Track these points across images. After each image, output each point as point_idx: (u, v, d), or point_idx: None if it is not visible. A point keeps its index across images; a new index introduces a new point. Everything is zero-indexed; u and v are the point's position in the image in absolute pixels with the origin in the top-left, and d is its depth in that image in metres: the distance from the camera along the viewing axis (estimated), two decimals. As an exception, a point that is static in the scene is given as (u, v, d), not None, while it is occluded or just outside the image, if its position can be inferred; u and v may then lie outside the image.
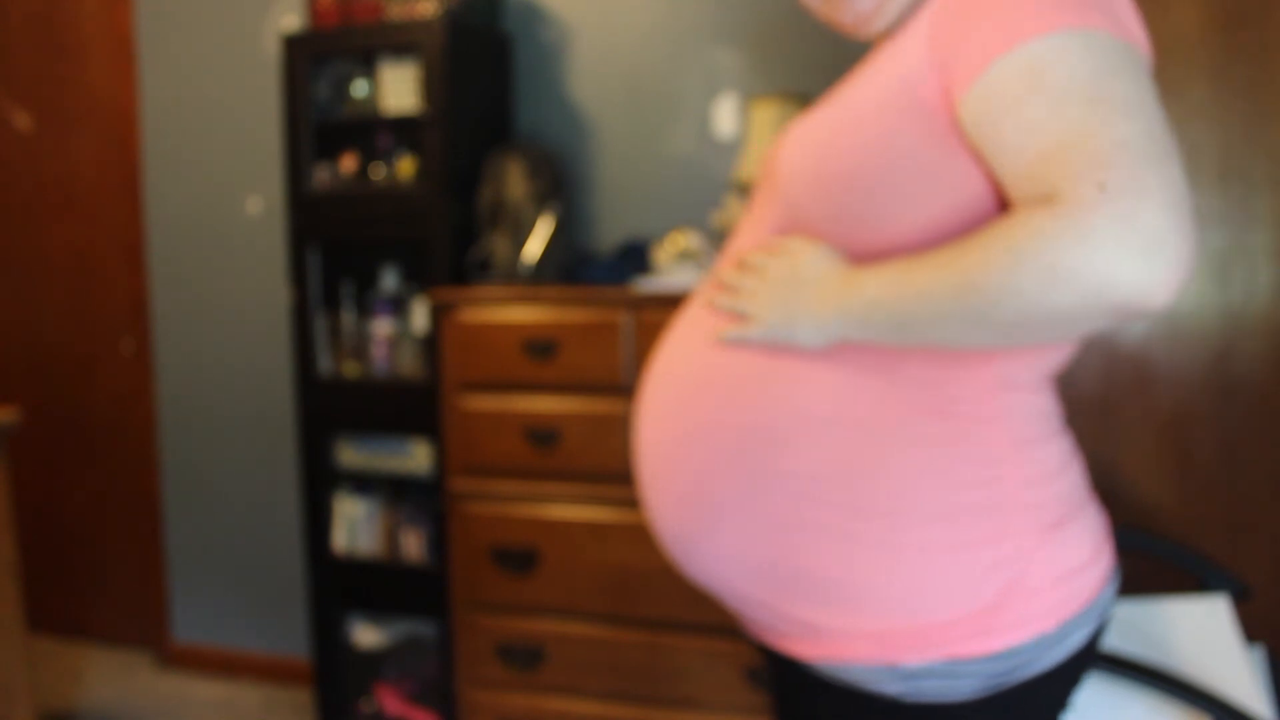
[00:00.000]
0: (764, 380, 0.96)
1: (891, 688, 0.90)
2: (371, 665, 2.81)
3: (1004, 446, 0.92)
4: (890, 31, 1.03)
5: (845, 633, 0.91)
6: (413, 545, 2.69)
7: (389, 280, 2.77)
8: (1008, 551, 0.90)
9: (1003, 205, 0.89)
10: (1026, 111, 0.80)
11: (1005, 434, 0.93)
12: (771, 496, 0.93)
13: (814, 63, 2.58)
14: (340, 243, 2.78)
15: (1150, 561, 1.81)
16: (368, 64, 2.73)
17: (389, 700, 2.76)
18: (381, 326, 2.70)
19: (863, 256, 0.93)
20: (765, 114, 2.38)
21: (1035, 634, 0.90)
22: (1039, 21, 0.81)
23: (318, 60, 2.72)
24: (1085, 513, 0.97)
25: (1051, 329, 0.80)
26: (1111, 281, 0.73)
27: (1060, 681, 0.95)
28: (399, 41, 2.62)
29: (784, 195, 0.99)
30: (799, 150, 0.97)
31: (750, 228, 1.06)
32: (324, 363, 2.78)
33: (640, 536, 2.30)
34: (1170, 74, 1.85)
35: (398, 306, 2.72)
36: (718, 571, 0.99)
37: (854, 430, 0.91)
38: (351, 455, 2.74)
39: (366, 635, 2.81)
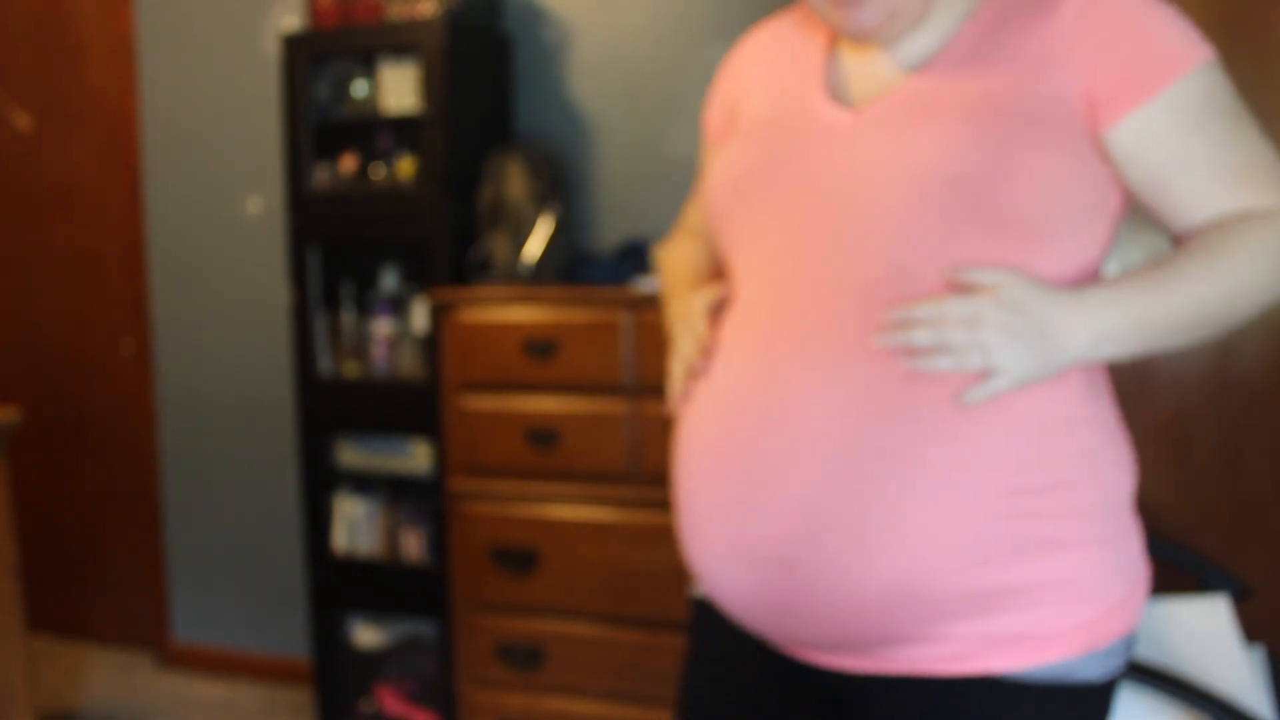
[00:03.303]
0: (956, 408, 0.92)
1: (1094, 672, 0.97)
2: (371, 665, 2.81)
3: (1119, 430, 1.04)
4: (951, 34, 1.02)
5: (1064, 630, 0.95)
6: (413, 545, 2.69)
7: (389, 280, 2.77)
8: (1133, 530, 1.02)
9: (1087, 207, 0.96)
10: (1213, 129, 0.95)
11: (1114, 417, 1.04)
12: (983, 518, 0.92)
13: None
14: (340, 243, 2.78)
15: (1150, 561, 1.81)
16: (368, 64, 2.72)
17: (389, 700, 2.76)
18: (381, 326, 2.70)
19: (971, 259, 0.93)
20: (765, 114, 2.38)
21: (1142, 606, 1.02)
22: (1199, 49, 0.96)
23: (318, 60, 2.72)
24: None
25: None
26: None
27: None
28: (399, 41, 2.62)
29: (879, 208, 0.95)
30: (916, 160, 0.94)
31: (822, 254, 0.97)
32: (324, 363, 2.77)
33: (640, 536, 2.30)
34: (1170, 74, 1.85)
35: (398, 306, 2.72)
36: (889, 607, 0.94)
37: (1053, 430, 0.95)
38: (351, 455, 2.74)
39: (366, 635, 2.81)
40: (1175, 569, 1.77)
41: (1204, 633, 1.60)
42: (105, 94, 3.34)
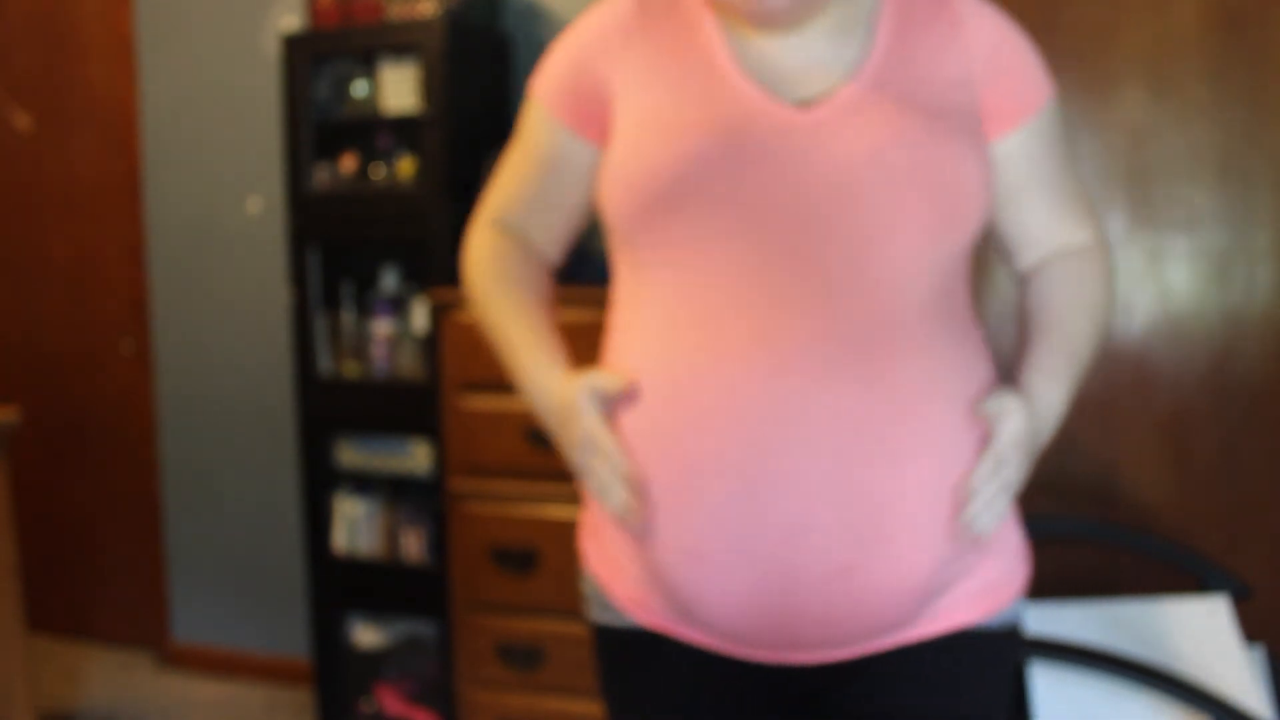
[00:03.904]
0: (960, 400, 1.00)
1: (1021, 613, 1.09)
2: (371, 665, 2.81)
3: None
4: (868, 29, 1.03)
5: (1010, 577, 1.07)
6: (413, 545, 2.69)
7: (389, 280, 2.77)
8: None
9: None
10: (1059, 154, 1.09)
11: None
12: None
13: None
14: (340, 243, 2.78)
15: (1150, 561, 1.81)
16: (368, 64, 2.73)
17: (389, 700, 2.76)
18: (381, 326, 2.71)
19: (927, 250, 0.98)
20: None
21: None
22: (1050, 82, 1.08)
23: (318, 60, 2.72)
24: None
25: None
26: None
27: None
28: (399, 41, 2.62)
29: (863, 208, 0.95)
30: (891, 159, 0.96)
31: (793, 264, 0.95)
32: (324, 363, 2.78)
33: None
34: (1170, 74, 1.85)
35: (398, 306, 2.72)
36: (913, 572, 0.98)
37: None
38: (351, 455, 2.74)
39: (366, 635, 2.81)
40: (1175, 569, 1.77)
41: (1204, 633, 1.60)
42: (105, 94, 3.34)
